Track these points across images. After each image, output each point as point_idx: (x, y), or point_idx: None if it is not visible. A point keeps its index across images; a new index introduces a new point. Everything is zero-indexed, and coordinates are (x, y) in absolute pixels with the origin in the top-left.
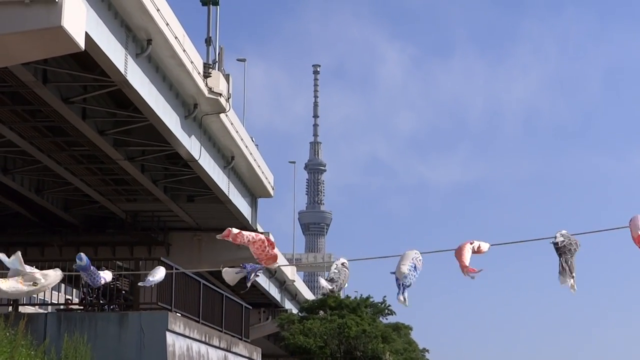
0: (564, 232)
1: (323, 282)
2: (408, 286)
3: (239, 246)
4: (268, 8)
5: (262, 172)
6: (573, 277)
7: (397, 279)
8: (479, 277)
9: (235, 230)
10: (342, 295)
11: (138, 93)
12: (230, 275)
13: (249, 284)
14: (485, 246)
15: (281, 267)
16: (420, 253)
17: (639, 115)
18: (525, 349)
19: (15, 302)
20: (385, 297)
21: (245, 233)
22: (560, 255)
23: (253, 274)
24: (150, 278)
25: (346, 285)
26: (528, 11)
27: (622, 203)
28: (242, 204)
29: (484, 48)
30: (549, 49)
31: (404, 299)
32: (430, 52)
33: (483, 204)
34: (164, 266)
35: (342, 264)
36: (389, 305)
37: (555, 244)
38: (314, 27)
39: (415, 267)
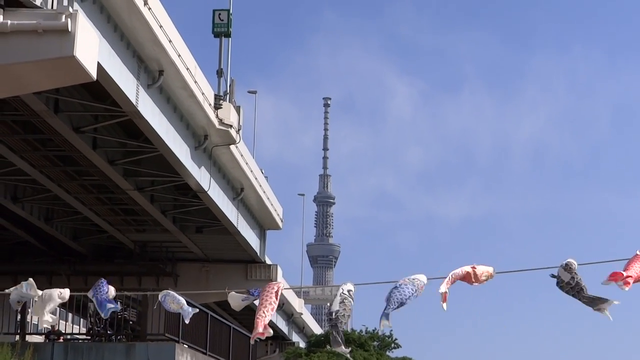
0: (570, 263)
1: (343, 349)
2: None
3: (247, 278)
4: (278, 41)
5: (271, 204)
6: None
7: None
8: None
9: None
10: (348, 329)
11: (149, 123)
12: (236, 300)
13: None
14: (483, 271)
15: (289, 300)
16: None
17: None
18: None
19: (22, 330)
20: (391, 330)
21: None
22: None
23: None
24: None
25: (349, 318)
26: (536, 48)
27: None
28: (250, 236)
29: (492, 84)
30: (557, 86)
31: (388, 321)
32: (439, 87)
33: (491, 239)
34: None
35: (349, 290)
36: (396, 339)
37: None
38: (324, 61)
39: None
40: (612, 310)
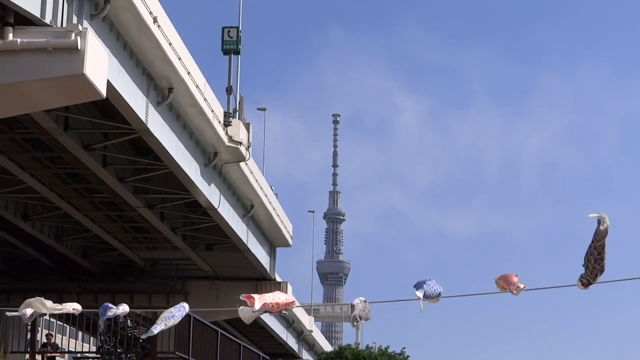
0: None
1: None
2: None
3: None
4: (286, 59)
5: (281, 221)
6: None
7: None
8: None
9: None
10: (360, 346)
11: (158, 141)
12: (247, 313)
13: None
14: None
15: (299, 317)
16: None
17: None
18: None
19: (32, 348)
20: (404, 348)
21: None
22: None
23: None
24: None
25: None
26: (544, 64)
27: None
28: (260, 253)
29: (500, 101)
30: (565, 101)
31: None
32: (446, 104)
33: (500, 255)
34: (185, 319)
35: (364, 300)
36: (408, 357)
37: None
38: (332, 78)
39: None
40: None
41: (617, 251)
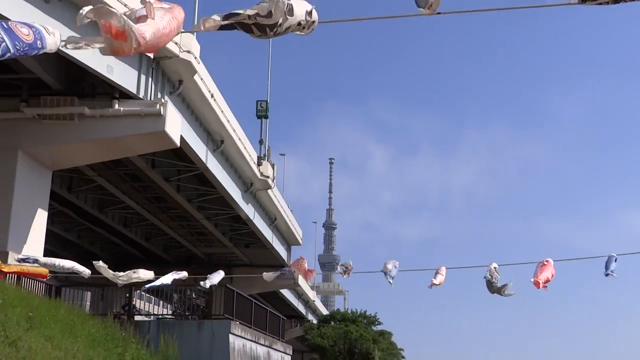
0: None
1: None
2: (392, 277)
3: (279, 278)
4: (297, 121)
5: (295, 228)
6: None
7: (385, 272)
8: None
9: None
10: (348, 311)
11: (214, 175)
12: (270, 277)
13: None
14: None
15: (306, 291)
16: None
17: (543, 193)
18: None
19: (129, 312)
20: (376, 313)
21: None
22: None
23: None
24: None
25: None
26: (467, 123)
27: (530, 254)
28: (280, 249)
29: (438, 149)
30: (480, 149)
31: (390, 282)
32: (402, 151)
33: (438, 253)
34: (229, 292)
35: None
36: (378, 318)
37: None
38: (327, 134)
39: (395, 267)
40: None
41: (516, 254)
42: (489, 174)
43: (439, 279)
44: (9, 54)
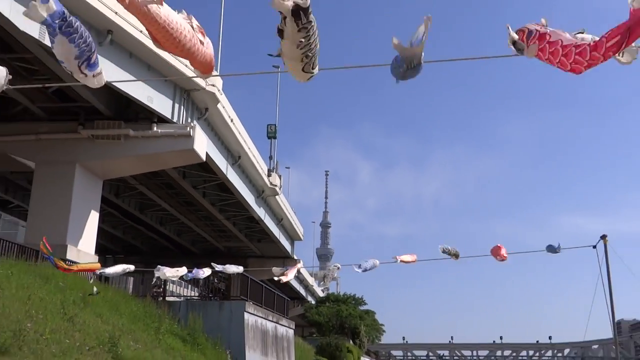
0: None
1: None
2: (363, 268)
3: (283, 266)
4: (299, 140)
5: (297, 227)
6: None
7: (360, 266)
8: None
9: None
10: (340, 294)
11: (233, 184)
12: (277, 271)
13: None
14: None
15: (306, 278)
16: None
17: (496, 200)
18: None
19: (164, 294)
20: (362, 295)
21: None
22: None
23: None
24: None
25: (337, 275)
26: (435, 144)
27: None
28: (286, 244)
29: (412, 165)
30: (447, 165)
31: (357, 269)
32: (383, 166)
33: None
34: (244, 278)
35: (337, 267)
36: (364, 300)
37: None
38: (322, 152)
39: (374, 265)
40: None
41: (475, 247)
42: (452, 185)
43: (405, 257)
44: None
